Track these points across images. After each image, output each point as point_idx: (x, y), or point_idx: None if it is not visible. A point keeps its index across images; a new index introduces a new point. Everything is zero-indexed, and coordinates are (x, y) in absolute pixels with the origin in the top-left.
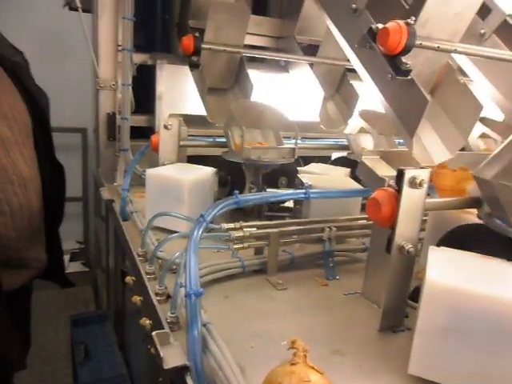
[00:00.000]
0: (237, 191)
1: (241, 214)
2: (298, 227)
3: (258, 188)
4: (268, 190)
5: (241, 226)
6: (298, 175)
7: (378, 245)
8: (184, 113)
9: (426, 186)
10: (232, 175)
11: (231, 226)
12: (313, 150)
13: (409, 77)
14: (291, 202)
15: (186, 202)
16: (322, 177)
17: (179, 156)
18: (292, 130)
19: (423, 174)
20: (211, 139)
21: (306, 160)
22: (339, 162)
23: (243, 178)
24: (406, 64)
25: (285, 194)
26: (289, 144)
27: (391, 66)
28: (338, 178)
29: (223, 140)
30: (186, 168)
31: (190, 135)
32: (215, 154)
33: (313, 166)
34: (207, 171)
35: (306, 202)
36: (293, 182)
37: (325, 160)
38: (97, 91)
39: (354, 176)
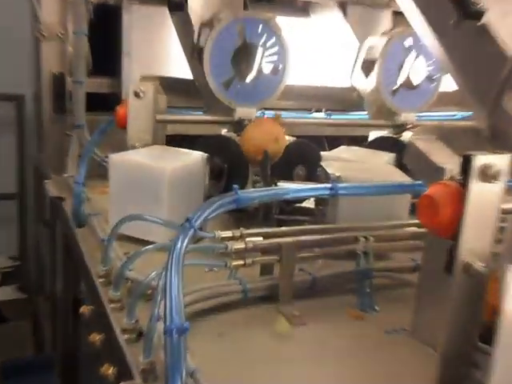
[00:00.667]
0: (236, 186)
1: (242, 217)
2: (322, 236)
3: (265, 181)
4: (280, 183)
5: (242, 234)
6: (322, 163)
7: (433, 262)
8: (162, 75)
9: (504, 178)
10: (230, 163)
11: (228, 234)
12: (342, 128)
13: (481, 21)
14: (311, 201)
15: (165, 200)
16: (354, 165)
17: (156, 136)
18: (311, 98)
19: (500, 162)
20: (200, 113)
21: (333, 142)
22: (379, 144)
23: (245, 168)
24: (477, 3)
25: (303, 190)
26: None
27: (456, 5)
28: (378, 166)
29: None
30: (166, 153)
31: (170, 107)
32: (206, 133)
33: (342, 151)
34: (195, 157)
35: (333, 202)
36: (314, 172)
37: (359, 141)
38: (37, 42)
39: (400, 164)
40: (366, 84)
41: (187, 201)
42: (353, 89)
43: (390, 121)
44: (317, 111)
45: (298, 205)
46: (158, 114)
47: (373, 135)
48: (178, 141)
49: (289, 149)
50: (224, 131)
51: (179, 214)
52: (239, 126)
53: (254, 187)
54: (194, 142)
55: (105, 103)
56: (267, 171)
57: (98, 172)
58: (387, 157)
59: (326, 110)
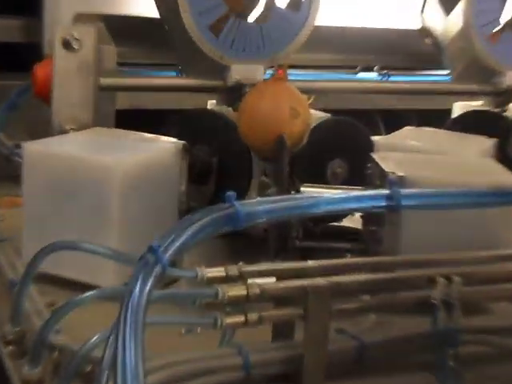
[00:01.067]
0: (232, 193)
1: (242, 245)
2: (374, 276)
3: (280, 186)
4: (304, 189)
5: (241, 272)
6: (374, 155)
7: None
8: (109, 12)
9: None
10: (221, 155)
11: (219, 272)
12: (407, 98)
13: None
14: (357, 218)
15: (115, 216)
16: (428, 158)
17: (99, 113)
18: (356, 49)
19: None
20: (173, 73)
21: (393, 120)
22: (469, 122)
23: (246, 163)
24: None
25: (342, 200)
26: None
27: None
28: (468, 160)
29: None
30: (116, 140)
31: (122, 64)
32: (183, 107)
33: (408, 134)
34: (164, 147)
35: (393, 219)
36: (361, 170)
37: (436, 119)
38: None
39: (504, 156)
40: (447, 25)
41: (151, 218)
42: (425, 32)
43: (488, 85)
44: (365, 70)
45: (333, 224)
46: (102, 77)
47: (459, 108)
48: (136, 120)
49: (319, 132)
50: (211, 103)
51: (138, 240)
52: (236, 94)
53: (261, 195)
54: (162, 123)
55: (17, 60)
56: (284, 169)
57: (6, 172)
58: (483, 144)
59: (382, 68)
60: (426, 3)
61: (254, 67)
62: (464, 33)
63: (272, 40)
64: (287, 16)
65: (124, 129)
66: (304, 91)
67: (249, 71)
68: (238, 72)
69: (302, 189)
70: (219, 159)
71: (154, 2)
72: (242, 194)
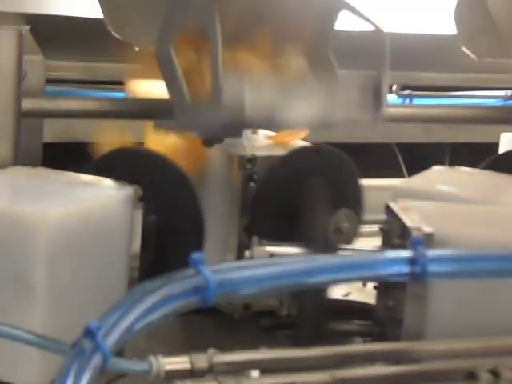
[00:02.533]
0: (199, 256)
1: (214, 324)
2: (394, 369)
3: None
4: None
5: (212, 363)
6: (393, 205)
7: None
8: (35, 11)
9: None
10: (166, 211)
11: (183, 363)
12: (436, 127)
13: None
14: (369, 290)
15: (40, 285)
16: (463, 209)
17: (19, 145)
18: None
19: None
20: (121, 94)
21: (419, 156)
22: None
23: (198, 221)
24: None
25: (349, 266)
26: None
27: None
28: None
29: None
30: (42, 183)
31: (52, 80)
32: (134, 139)
33: (437, 175)
34: (109, 193)
35: (416, 291)
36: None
37: (475, 155)
38: None
39: None
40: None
41: (90, 289)
42: (460, 40)
43: None
44: None
45: (339, 298)
46: (25, 99)
47: (508, 141)
48: (69, 157)
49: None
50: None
51: (71, 320)
52: None
53: (239, 257)
54: (106, 160)
55: None
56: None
57: None
58: None
59: (402, 88)
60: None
61: None
62: None
63: None
64: None
65: (54, 168)
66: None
67: None
68: None
69: (293, 249)
70: (160, 217)
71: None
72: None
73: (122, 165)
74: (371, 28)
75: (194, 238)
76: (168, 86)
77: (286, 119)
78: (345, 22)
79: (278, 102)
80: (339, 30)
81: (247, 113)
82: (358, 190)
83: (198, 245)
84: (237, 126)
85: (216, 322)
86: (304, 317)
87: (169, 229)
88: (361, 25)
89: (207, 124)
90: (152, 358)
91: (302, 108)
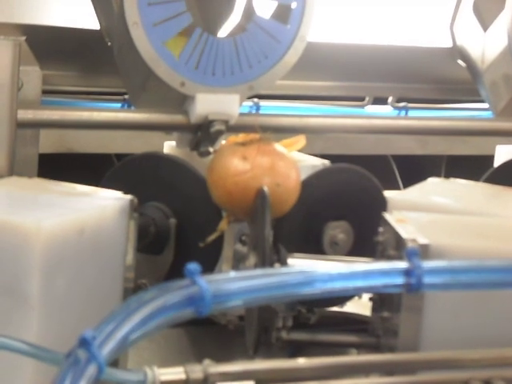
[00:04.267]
0: (194, 265)
1: (210, 336)
2: (389, 380)
3: (261, 255)
4: (292, 260)
5: (207, 374)
6: (387, 216)
7: None
8: (32, 22)
9: None
10: (184, 215)
11: (177, 373)
12: (432, 140)
13: None
14: (365, 301)
15: (34, 296)
16: (459, 221)
17: (15, 156)
18: (365, 73)
19: None
20: (117, 105)
21: (414, 168)
22: None
23: (215, 225)
24: None
25: (344, 277)
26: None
27: None
28: None
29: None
30: (38, 193)
31: (48, 91)
32: (131, 151)
33: (433, 187)
34: (105, 204)
35: (412, 303)
36: (369, 236)
37: (471, 167)
38: None
39: None
40: (485, 43)
41: (85, 300)
42: (456, 52)
43: None
44: (377, 102)
45: (333, 310)
46: (22, 109)
47: (503, 154)
48: (66, 168)
49: (313, 185)
50: (169, 146)
51: (66, 330)
52: (203, 134)
53: (235, 267)
54: (102, 171)
55: None
56: (265, 233)
57: None
58: None
59: (398, 100)
60: (458, 15)
61: (226, 97)
62: (508, 54)
63: (251, 60)
64: (272, 29)
65: (50, 178)
66: (295, 130)
67: (220, 103)
68: (205, 104)
69: (289, 260)
70: (179, 221)
71: (92, 10)
72: (209, 267)
73: (144, 172)
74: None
75: (211, 247)
76: None
77: None
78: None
79: None
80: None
81: None
82: (377, 203)
83: (215, 251)
84: None
85: (211, 334)
86: (300, 328)
87: (186, 234)
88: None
89: None
90: (147, 369)
91: None
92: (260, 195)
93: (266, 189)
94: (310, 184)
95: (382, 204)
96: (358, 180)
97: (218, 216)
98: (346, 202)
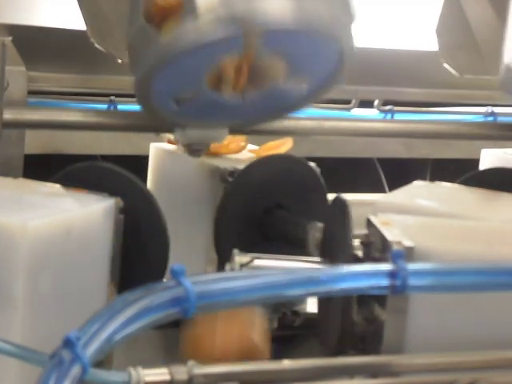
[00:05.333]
0: (179, 267)
1: None
2: (373, 382)
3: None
4: (278, 260)
5: (191, 374)
6: (373, 219)
7: None
8: (18, 22)
9: None
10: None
11: (161, 374)
12: (417, 142)
13: None
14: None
15: (19, 297)
16: (444, 224)
17: (0, 157)
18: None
19: None
20: (103, 106)
21: (399, 172)
22: (502, 176)
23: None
24: None
25: (330, 278)
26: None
27: None
28: (498, 227)
29: (139, 108)
30: (23, 194)
31: (34, 92)
32: (119, 152)
33: (418, 190)
34: (91, 205)
35: (396, 305)
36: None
37: (456, 171)
38: None
39: None
40: None
41: (70, 300)
42: (441, 56)
43: None
44: (363, 105)
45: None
46: (7, 110)
47: (489, 157)
48: (51, 169)
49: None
50: (155, 147)
51: (50, 330)
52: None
53: (219, 268)
54: (88, 172)
55: None
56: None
57: None
58: None
59: (384, 104)
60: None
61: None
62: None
63: None
64: None
65: (35, 179)
66: (280, 132)
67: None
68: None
69: (274, 261)
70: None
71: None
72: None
73: (87, 179)
74: None
75: (159, 253)
76: None
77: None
78: None
79: None
80: None
81: None
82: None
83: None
84: None
85: None
86: (282, 328)
87: (134, 243)
88: None
89: None
90: (131, 370)
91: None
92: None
93: None
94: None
95: (320, 189)
96: (294, 167)
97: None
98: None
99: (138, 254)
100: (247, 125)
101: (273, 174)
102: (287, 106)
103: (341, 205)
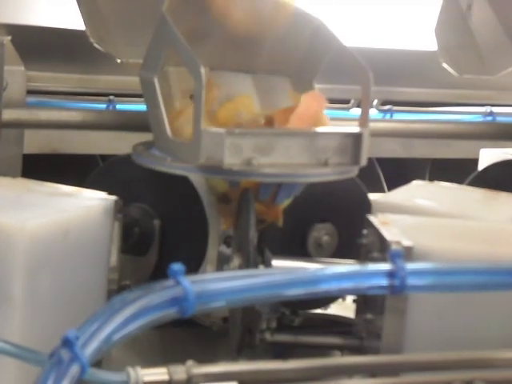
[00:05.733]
0: (178, 265)
1: (194, 337)
2: (372, 381)
3: (244, 256)
4: (276, 262)
5: (190, 374)
6: (372, 218)
7: None
8: (17, 22)
9: None
10: (168, 216)
11: (160, 373)
12: (417, 142)
13: None
14: (349, 303)
15: (18, 296)
16: (443, 224)
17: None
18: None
19: None
20: (102, 105)
21: (397, 171)
22: (500, 176)
23: (201, 225)
24: None
25: (329, 279)
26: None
27: None
28: (496, 227)
29: (138, 108)
30: (22, 194)
31: (33, 91)
32: (117, 151)
33: (417, 190)
34: (89, 204)
35: (395, 305)
36: (353, 238)
37: (455, 170)
38: None
39: None
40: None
41: (69, 300)
42: (440, 56)
43: None
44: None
45: (317, 312)
46: (6, 109)
47: (487, 157)
48: (50, 168)
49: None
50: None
51: (49, 330)
52: None
53: (219, 268)
54: (86, 172)
55: None
56: (249, 233)
57: None
58: None
59: (383, 103)
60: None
61: None
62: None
63: None
64: None
65: (34, 179)
66: None
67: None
68: None
69: (274, 262)
70: (163, 222)
71: (77, 9)
72: (193, 268)
73: (128, 172)
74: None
75: (196, 246)
76: (149, 109)
77: (263, 172)
78: None
79: (257, 157)
80: None
81: (225, 166)
82: (360, 205)
83: (199, 252)
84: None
85: (195, 335)
86: (282, 329)
87: (171, 235)
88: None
89: (185, 161)
90: (130, 369)
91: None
92: (244, 197)
93: (249, 189)
94: None
95: (367, 206)
96: (343, 182)
97: (202, 216)
98: (330, 205)
99: None
100: None
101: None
102: None
103: None
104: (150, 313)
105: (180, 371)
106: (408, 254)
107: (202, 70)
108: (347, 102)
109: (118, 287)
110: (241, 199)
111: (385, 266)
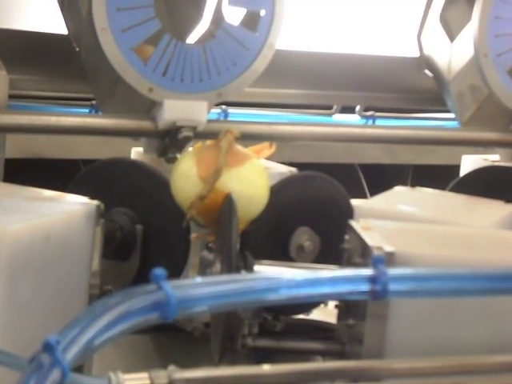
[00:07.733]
0: (160, 270)
1: (175, 342)
2: None
3: (228, 262)
4: (258, 267)
5: (171, 379)
6: (354, 224)
7: None
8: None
9: None
10: (150, 221)
11: (141, 378)
12: (399, 148)
13: None
14: (331, 308)
15: None
16: (425, 229)
17: None
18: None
19: None
20: (85, 110)
21: (380, 177)
22: (484, 181)
23: (181, 231)
24: None
25: (310, 283)
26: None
27: None
28: (478, 232)
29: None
30: (3, 198)
31: (15, 96)
32: (98, 156)
33: (399, 196)
34: (70, 209)
35: (377, 310)
36: (335, 243)
37: (438, 176)
38: None
39: None
40: (452, 53)
41: (50, 304)
42: (423, 62)
43: (507, 133)
44: (344, 111)
45: (299, 317)
46: None
47: (469, 164)
48: (32, 173)
49: (280, 192)
50: (137, 152)
51: (30, 334)
52: (170, 140)
53: (201, 273)
54: (69, 176)
55: None
56: (232, 239)
57: None
58: (500, 211)
59: (365, 109)
60: (425, 25)
61: (194, 104)
62: (475, 64)
63: (219, 67)
64: (240, 36)
65: (16, 183)
66: (263, 137)
67: (188, 109)
68: (173, 110)
69: (256, 267)
70: (145, 226)
71: (60, 14)
72: (175, 273)
73: (111, 178)
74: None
75: (177, 253)
76: None
77: None
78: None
79: None
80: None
81: None
82: (343, 211)
83: (181, 257)
84: None
85: (177, 340)
86: (266, 335)
87: (153, 239)
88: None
89: None
90: (111, 374)
91: None
92: (227, 202)
93: (232, 195)
94: (278, 190)
95: (349, 211)
96: (325, 187)
97: (182, 223)
98: (313, 210)
99: None
100: None
101: (301, 194)
102: None
103: None
104: (132, 317)
105: (161, 376)
106: (390, 259)
107: None
108: (330, 107)
109: (100, 292)
110: (223, 205)
111: (367, 272)
